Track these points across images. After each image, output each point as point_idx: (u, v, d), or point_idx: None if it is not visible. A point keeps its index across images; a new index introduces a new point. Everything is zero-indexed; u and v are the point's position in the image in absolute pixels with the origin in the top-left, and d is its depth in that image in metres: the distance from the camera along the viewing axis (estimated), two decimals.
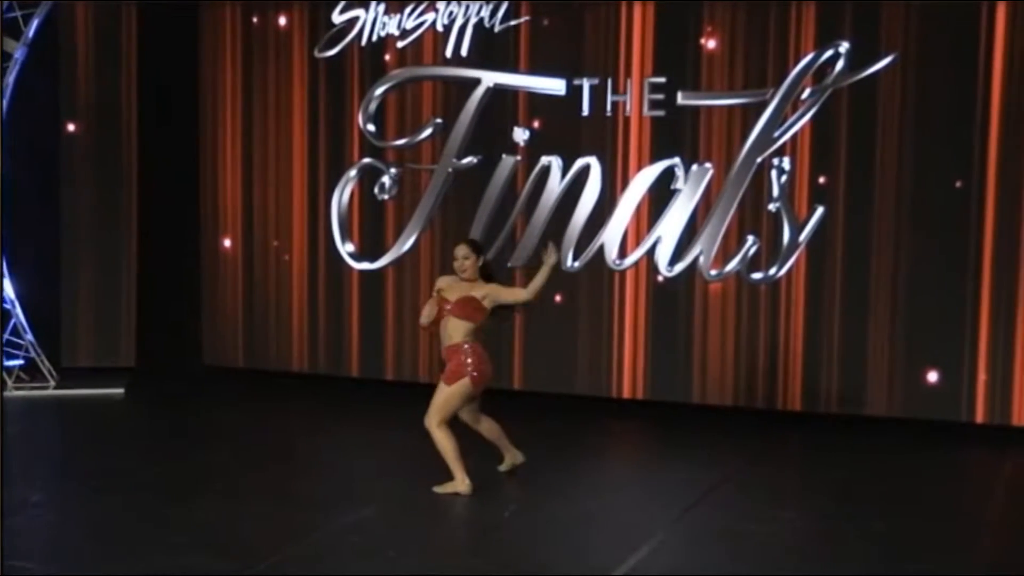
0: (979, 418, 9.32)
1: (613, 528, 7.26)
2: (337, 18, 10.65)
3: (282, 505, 7.67)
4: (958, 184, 9.24)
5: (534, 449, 8.36)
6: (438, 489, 7.67)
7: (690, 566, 6.51)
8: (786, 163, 9.58)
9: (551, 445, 8.93)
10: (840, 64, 9.36)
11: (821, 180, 9.52)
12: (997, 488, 8.36)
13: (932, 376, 9.37)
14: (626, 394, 10.16)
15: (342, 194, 10.77)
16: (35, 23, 10.58)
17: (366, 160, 10.69)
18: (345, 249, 10.82)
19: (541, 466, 8.26)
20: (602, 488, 8.23)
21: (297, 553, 6.61)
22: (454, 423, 7.80)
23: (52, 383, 10.69)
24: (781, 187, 9.60)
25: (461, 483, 7.65)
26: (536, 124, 10.20)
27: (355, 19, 10.59)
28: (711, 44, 9.69)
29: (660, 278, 9.97)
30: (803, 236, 9.56)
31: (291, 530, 7.05)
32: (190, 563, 6.44)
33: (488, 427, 7.94)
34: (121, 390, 10.70)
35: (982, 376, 9.24)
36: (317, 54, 10.76)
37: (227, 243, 11.20)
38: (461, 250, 7.60)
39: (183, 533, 7.00)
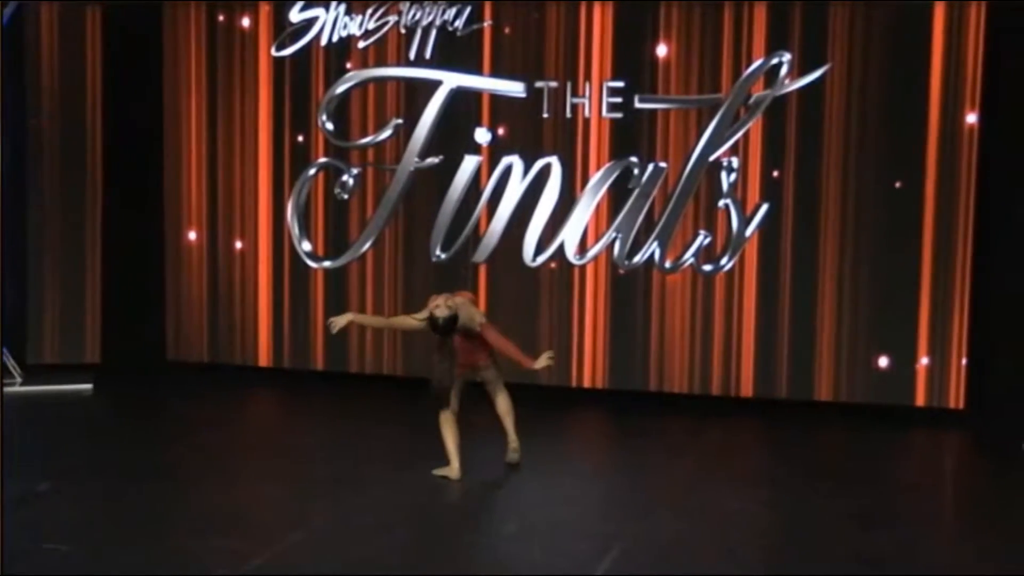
0: (920, 401, 9.96)
1: (601, 512, 7.73)
2: (295, 16, 10.89)
3: (276, 492, 8.01)
4: (897, 184, 9.87)
5: (497, 443, 8.83)
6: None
7: (684, 543, 6.98)
8: (735, 162, 10.10)
9: (522, 435, 9.34)
10: (784, 71, 9.92)
11: (771, 177, 10.06)
12: (945, 466, 9.01)
13: (878, 362, 9.97)
14: (586, 383, 10.62)
15: (300, 193, 11.05)
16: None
17: (323, 159, 10.97)
18: (303, 248, 11.10)
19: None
20: (580, 474, 8.69)
21: (305, 535, 6.96)
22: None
23: (19, 380, 10.82)
24: (731, 184, 10.13)
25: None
26: (498, 125, 10.60)
27: (315, 19, 10.85)
28: (666, 50, 10.17)
29: (619, 272, 10.44)
30: (750, 230, 10.11)
31: (292, 515, 7.41)
32: (208, 543, 6.77)
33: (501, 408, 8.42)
34: (89, 386, 10.87)
35: (923, 361, 9.87)
36: (274, 52, 11.02)
37: (192, 236, 11.40)
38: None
39: (192, 517, 7.33)
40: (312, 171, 11.00)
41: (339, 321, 8.05)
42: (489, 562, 6.67)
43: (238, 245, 11.32)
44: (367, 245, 10.92)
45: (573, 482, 8.34)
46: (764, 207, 10.11)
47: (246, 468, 8.73)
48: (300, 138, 11.03)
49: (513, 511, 7.63)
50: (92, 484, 7.95)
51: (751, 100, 10.01)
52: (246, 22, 11.09)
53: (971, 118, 9.65)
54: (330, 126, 10.88)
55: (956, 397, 9.87)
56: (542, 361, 8.16)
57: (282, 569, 6.43)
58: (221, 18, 11.16)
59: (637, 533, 7.06)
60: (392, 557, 6.67)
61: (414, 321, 8.09)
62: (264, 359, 11.36)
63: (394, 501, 7.74)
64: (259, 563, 6.49)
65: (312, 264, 11.10)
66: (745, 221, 10.10)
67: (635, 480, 8.42)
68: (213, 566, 6.40)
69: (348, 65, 10.85)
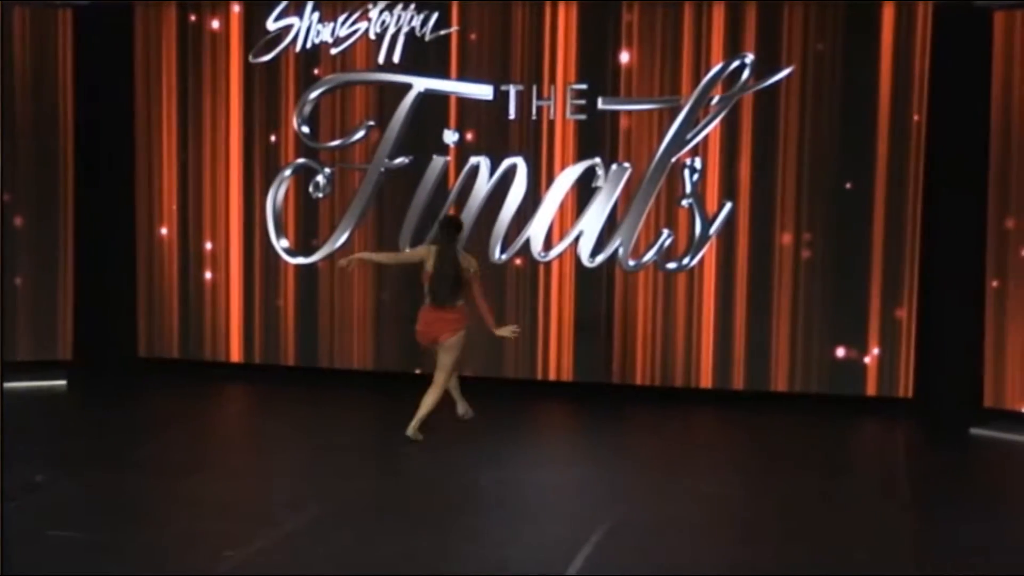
0: (871, 391, 10.45)
1: (582, 496, 8.11)
2: (272, 25, 11.17)
3: (264, 481, 8.31)
4: (848, 185, 10.35)
5: (479, 430, 9.21)
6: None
7: (665, 523, 7.40)
8: (697, 163, 10.54)
9: (495, 425, 9.72)
10: (746, 73, 10.37)
11: (730, 177, 10.50)
12: (899, 452, 9.51)
13: (831, 354, 10.44)
14: (552, 376, 10.99)
15: (277, 192, 11.32)
16: None
17: (300, 160, 11.25)
18: (280, 245, 11.38)
19: (492, 445, 9.06)
20: (555, 462, 9.09)
21: (302, 521, 7.25)
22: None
23: None
24: (693, 184, 10.56)
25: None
26: (465, 127, 10.95)
27: (289, 26, 11.15)
28: (629, 52, 10.58)
29: (583, 269, 10.82)
30: (713, 229, 10.54)
31: (285, 502, 7.69)
32: (209, 528, 7.05)
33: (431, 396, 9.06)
34: (64, 382, 11.06)
35: (874, 352, 10.36)
36: (252, 59, 11.28)
37: (163, 232, 11.60)
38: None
39: (187, 504, 7.60)
40: (288, 171, 11.27)
41: (345, 261, 9.18)
42: (487, 542, 7.01)
43: (209, 242, 11.54)
44: (340, 242, 11.21)
45: (551, 469, 8.72)
46: (727, 206, 10.52)
47: (229, 459, 9.01)
48: (272, 138, 11.30)
49: (499, 496, 7.96)
50: (83, 475, 8.16)
51: (714, 101, 10.43)
52: (216, 24, 11.32)
53: (918, 116, 10.14)
54: (306, 129, 11.17)
55: (906, 386, 10.37)
56: (506, 331, 9.08)
57: (287, 551, 6.73)
58: (192, 18, 11.38)
59: (618, 515, 7.43)
60: (388, 538, 6.98)
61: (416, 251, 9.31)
62: (236, 355, 11.59)
63: (381, 489, 8.06)
64: (262, 545, 6.77)
65: (290, 259, 11.35)
66: (708, 221, 10.52)
67: (609, 467, 8.81)
68: (220, 548, 6.67)
69: (319, 71, 11.13)
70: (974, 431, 9.78)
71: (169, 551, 6.69)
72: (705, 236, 10.57)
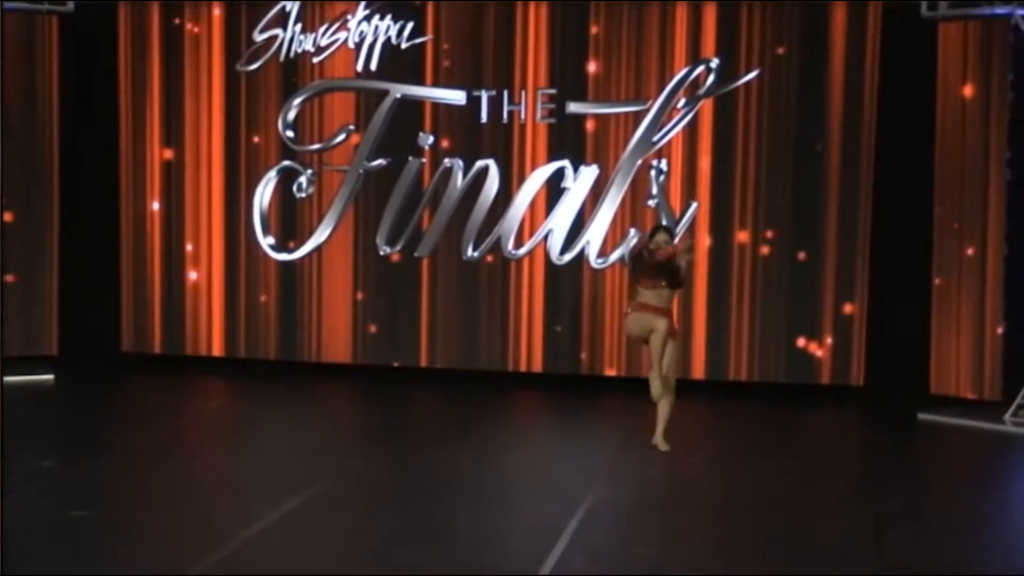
0: (825, 379, 11.08)
1: (562, 478, 8.61)
2: (258, 36, 11.65)
3: (261, 466, 8.73)
4: (803, 186, 10.98)
5: (458, 419, 9.70)
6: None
7: (643, 500, 7.99)
8: (663, 164, 11.11)
9: (472, 415, 10.23)
10: (711, 77, 10.95)
11: (692, 176, 11.07)
12: (852, 436, 10.15)
13: (787, 345, 11.06)
14: (522, 368, 11.53)
15: (263, 192, 11.78)
16: None
17: (286, 163, 11.70)
18: (266, 242, 11.83)
19: (472, 433, 9.58)
20: (533, 447, 9.63)
21: (300, 501, 7.66)
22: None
23: None
24: (659, 185, 11.13)
25: None
26: (439, 130, 11.46)
27: (274, 37, 11.63)
28: (597, 59, 11.12)
29: (552, 265, 11.36)
30: (680, 228, 11.12)
31: (284, 485, 8.10)
32: (225, 508, 7.50)
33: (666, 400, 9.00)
34: (51, 377, 11.43)
35: (828, 343, 10.99)
36: (239, 68, 11.72)
37: (147, 229, 11.98)
38: (662, 236, 8.91)
39: (194, 487, 8.01)
40: (273, 172, 11.73)
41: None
42: (472, 523, 7.46)
43: (192, 240, 11.95)
44: (322, 239, 11.69)
45: (530, 454, 9.24)
46: (693, 206, 11.09)
47: (225, 447, 9.44)
48: (255, 139, 11.74)
49: (482, 480, 8.46)
50: (88, 463, 8.53)
51: (680, 104, 11.01)
52: (197, 28, 11.73)
53: (868, 120, 10.76)
54: (290, 133, 11.63)
55: (857, 376, 11.00)
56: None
57: (293, 527, 7.18)
58: (176, 22, 11.79)
59: (599, 494, 7.95)
60: (378, 521, 7.41)
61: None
62: (218, 349, 12.00)
63: (374, 473, 8.52)
64: (275, 518, 7.20)
65: (274, 255, 11.79)
66: (674, 220, 11.10)
67: (584, 451, 9.35)
68: (235, 526, 7.10)
69: (301, 78, 11.60)
70: (921, 416, 10.41)
71: (189, 529, 7.12)
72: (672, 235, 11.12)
